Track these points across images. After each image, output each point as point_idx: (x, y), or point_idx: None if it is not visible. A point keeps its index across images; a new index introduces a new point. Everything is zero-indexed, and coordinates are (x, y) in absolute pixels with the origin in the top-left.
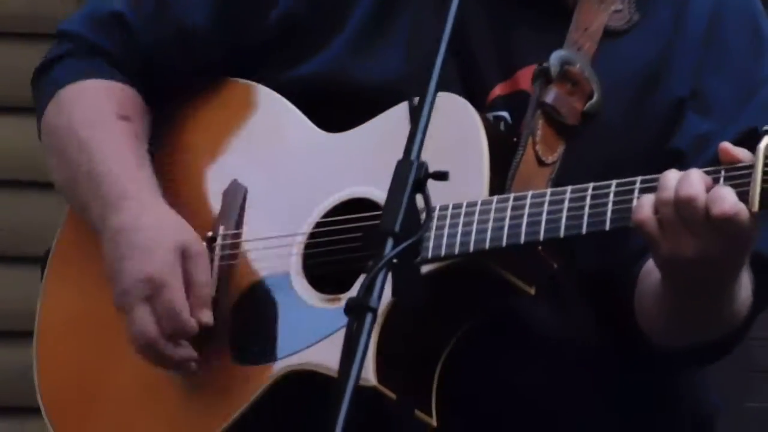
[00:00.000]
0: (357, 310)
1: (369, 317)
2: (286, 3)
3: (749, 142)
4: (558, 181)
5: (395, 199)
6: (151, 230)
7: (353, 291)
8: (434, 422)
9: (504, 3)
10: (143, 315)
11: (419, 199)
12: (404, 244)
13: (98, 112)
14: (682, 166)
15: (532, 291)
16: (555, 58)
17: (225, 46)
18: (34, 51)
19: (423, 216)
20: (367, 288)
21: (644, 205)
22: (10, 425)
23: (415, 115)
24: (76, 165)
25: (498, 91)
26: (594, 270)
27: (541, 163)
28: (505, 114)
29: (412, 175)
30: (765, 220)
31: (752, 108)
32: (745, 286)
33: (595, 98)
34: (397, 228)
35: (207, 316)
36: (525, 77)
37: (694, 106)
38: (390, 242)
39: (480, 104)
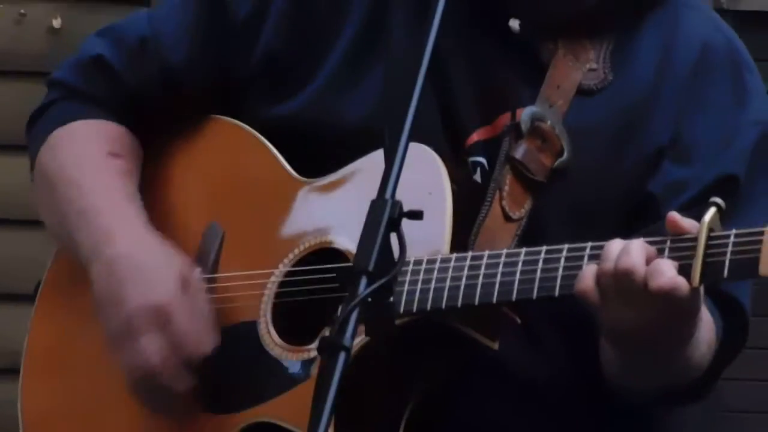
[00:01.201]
0: (330, 350)
1: (341, 356)
2: (267, 41)
3: (725, 188)
4: (527, 233)
5: (369, 237)
6: (151, 258)
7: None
8: None
9: (485, 51)
10: (151, 344)
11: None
12: (378, 282)
13: (88, 152)
14: (654, 211)
15: (495, 346)
16: (526, 114)
17: (206, 84)
18: (16, 88)
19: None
20: (340, 327)
21: (586, 276)
22: None
23: (388, 155)
24: (66, 204)
25: (477, 136)
26: (567, 309)
27: (507, 218)
28: (482, 159)
29: (386, 213)
30: None
31: (731, 154)
32: (703, 340)
33: (564, 155)
34: (371, 267)
35: (209, 346)
36: (505, 123)
37: (671, 154)
38: (364, 281)
39: (459, 148)
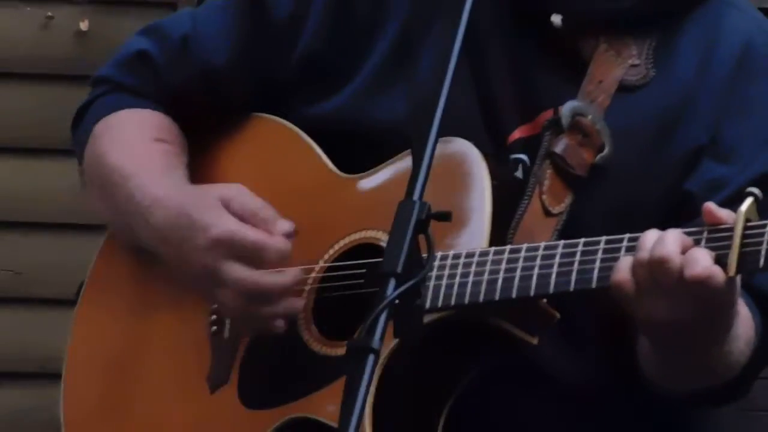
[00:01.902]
0: (358, 353)
1: (370, 359)
2: (307, 43)
3: (764, 187)
4: (567, 229)
5: (397, 239)
6: (186, 207)
7: None
8: None
9: (525, 47)
10: (232, 269)
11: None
12: (407, 285)
13: (134, 138)
14: (692, 209)
15: (535, 341)
16: (567, 108)
17: (248, 85)
18: (43, 92)
19: (425, 257)
20: (368, 329)
21: (622, 267)
22: None
23: (416, 155)
24: (113, 190)
25: (518, 133)
26: (607, 310)
27: (547, 213)
28: (524, 157)
29: (414, 215)
30: None
31: None
32: (742, 336)
33: (605, 151)
34: (399, 269)
35: (284, 226)
36: (546, 120)
37: (711, 152)
38: (392, 283)
39: (500, 146)
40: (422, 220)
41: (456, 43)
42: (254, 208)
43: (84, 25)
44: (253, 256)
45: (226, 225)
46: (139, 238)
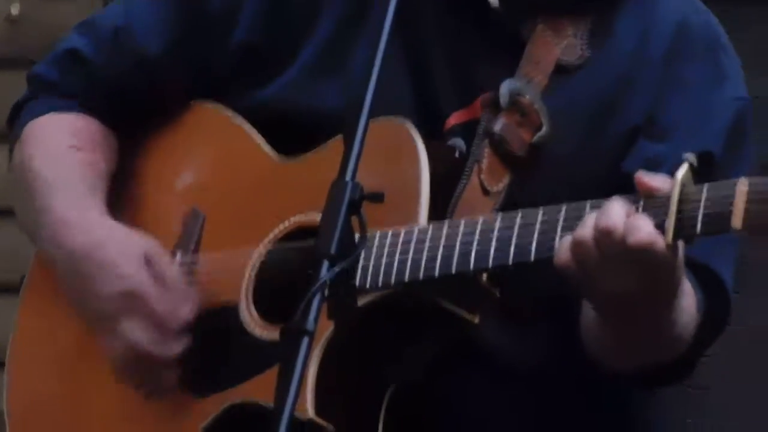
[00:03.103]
0: (293, 335)
1: (305, 341)
2: (244, 31)
3: (701, 164)
4: (506, 209)
5: (330, 221)
6: (109, 244)
7: None
8: None
9: (463, 33)
10: (131, 327)
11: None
12: (339, 266)
13: (51, 146)
14: (631, 188)
15: (476, 320)
16: (505, 87)
17: (183, 75)
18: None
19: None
20: (303, 311)
21: (563, 247)
22: None
23: (348, 136)
24: (30, 200)
25: (455, 119)
26: (551, 289)
27: (485, 192)
28: (460, 141)
29: (346, 196)
30: (720, 241)
31: (707, 131)
32: (686, 309)
33: (543, 130)
34: (332, 250)
35: (188, 312)
36: (483, 105)
37: (647, 132)
38: (325, 264)
39: (436, 131)
40: (355, 200)
41: (386, 24)
42: (171, 278)
43: (15, 10)
44: (154, 326)
45: (141, 283)
46: (45, 250)
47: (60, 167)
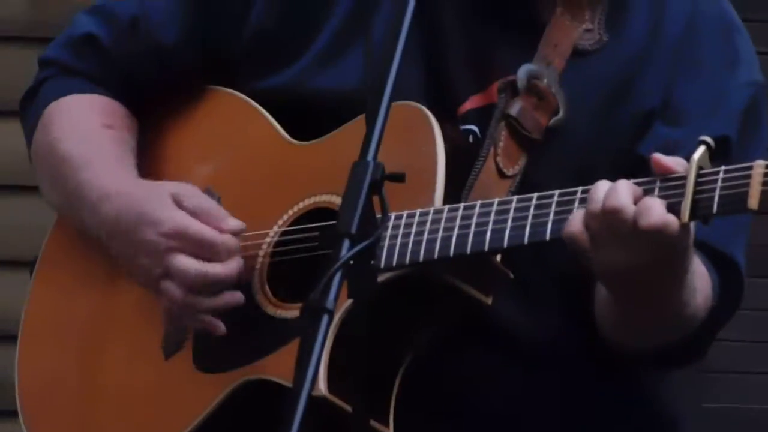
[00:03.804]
0: (313, 313)
1: (325, 319)
2: (258, 19)
3: (717, 149)
4: (521, 191)
5: (351, 200)
6: (140, 198)
7: None
8: None
9: (481, 18)
10: (181, 260)
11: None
12: (361, 245)
13: (81, 125)
14: (645, 172)
15: (489, 301)
16: (522, 71)
17: (198, 62)
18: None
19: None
20: (323, 290)
21: (575, 219)
22: None
23: (370, 117)
24: (63, 179)
25: (470, 104)
26: (565, 270)
27: (501, 174)
28: (474, 128)
29: (368, 176)
30: (731, 222)
31: (723, 115)
32: (699, 290)
33: (560, 114)
34: (353, 229)
35: (234, 223)
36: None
37: (663, 116)
38: (346, 244)
39: (451, 117)
40: (376, 180)
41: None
42: (206, 207)
43: None
44: (203, 252)
45: (178, 220)
46: (88, 228)
47: (93, 144)
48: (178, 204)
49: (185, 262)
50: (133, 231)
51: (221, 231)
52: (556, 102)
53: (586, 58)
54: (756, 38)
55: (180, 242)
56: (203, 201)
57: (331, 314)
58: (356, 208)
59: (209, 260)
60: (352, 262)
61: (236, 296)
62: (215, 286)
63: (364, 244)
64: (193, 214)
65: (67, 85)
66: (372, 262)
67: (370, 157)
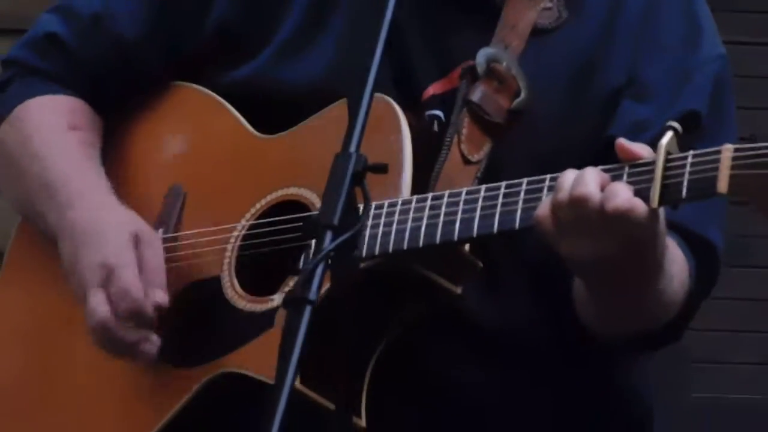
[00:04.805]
0: (295, 304)
1: (307, 310)
2: (221, 11)
3: (688, 124)
4: (488, 177)
5: (333, 192)
6: (105, 220)
7: (281, 293)
8: (363, 423)
9: (438, 2)
10: (98, 299)
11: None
12: (344, 236)
13: (48, 126)
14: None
15: (459, 290)
16: (481, 55)
17: (162, 57)
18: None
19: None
20: (305, 280)
21: (543, 207)
22: None
23: (352, 108)
24: (30, 179)
25: (433, 89)
26: (535, 258)
27: (466, 161)
28: (439, 113)
29: (350, 167)
30: (706, 204)
31: (688, 92)
32: (676, 276)
33: (522, 96)
34: (335, 221)
35: (161, 297)
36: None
37: (630, 93)
38: (329, 235)
39: (414, 103)
40: (359, 172)
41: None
42: (153, 265)
43: None
44: (121, 304)
45: (121, 263)
46: (47, 223)
47: (61, 145)
48: (134, 245)
49: (101, 309)
50: (81, 244)
51: (146, 296)
52: (516, 84)
53: (546, 37)
54: (739, 28)
55: (109, 280)
56: (154, 257)
57: (314, 305)
58: (338, 200)
59: (124, 314)
60: (333, 253)
61: (146, 353)
62: (115, 335)
63: (347, 234)
64: (139, 262)
65: (32, 85)
66: (354, 252)
67: (352, 148)
